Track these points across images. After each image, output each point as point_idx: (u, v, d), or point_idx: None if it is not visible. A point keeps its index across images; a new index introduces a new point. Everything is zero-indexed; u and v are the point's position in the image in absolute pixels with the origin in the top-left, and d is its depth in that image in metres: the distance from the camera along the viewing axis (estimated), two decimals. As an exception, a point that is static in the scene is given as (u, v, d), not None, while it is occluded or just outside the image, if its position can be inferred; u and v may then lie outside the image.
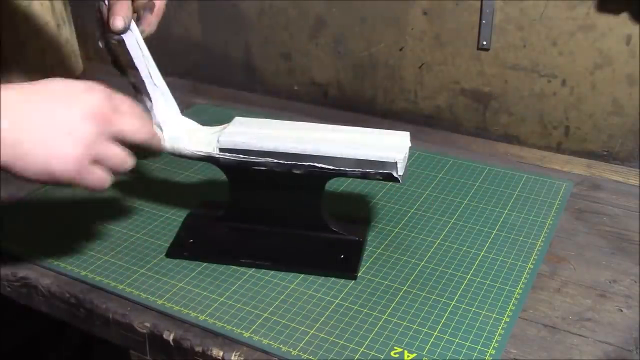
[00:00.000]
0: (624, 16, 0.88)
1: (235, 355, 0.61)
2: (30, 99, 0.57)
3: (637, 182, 0.89)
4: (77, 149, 0.57)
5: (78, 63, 1.27)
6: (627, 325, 0.64)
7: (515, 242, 0.76)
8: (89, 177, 0.59)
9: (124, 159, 0.62)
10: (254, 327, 0.64)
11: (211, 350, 0.62)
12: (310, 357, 0.60)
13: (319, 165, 0.68)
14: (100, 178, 0.60)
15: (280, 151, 0.68)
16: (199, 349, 0.62)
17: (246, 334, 0.63)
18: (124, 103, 0.62)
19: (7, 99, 0.55)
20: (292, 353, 0.61)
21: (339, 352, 0.61)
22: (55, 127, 0.57)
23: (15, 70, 1.17)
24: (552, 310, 0.66)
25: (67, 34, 1.22)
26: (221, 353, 0.61)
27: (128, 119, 0.62)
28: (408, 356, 0.60)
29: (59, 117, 0.57)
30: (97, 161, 0.59)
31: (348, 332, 0.63)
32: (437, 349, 0.61)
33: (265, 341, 0.62)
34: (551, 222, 0.79)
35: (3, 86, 0.56)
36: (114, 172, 0.62)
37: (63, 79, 0.60)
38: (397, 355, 0.60)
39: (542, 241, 0.76)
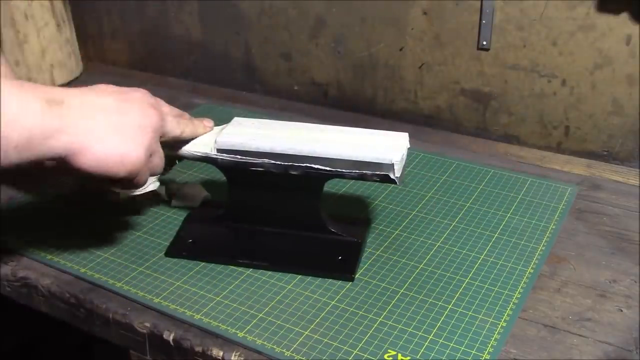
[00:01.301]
0: (624, 16, 0.88)
1: (235, 356, 0.61)
2: (92, 90, 0.59)
3: (637, 182, 0.89)
4: (145, 138, 0.60)
5: (78, 63, 1.27)
6: (627, 325, 0.64)
7: (517, 246, 0.76)
8: (146, 172, 0.61)
9: (162, 162, 0.65)
10: (248, 327, 0.64)
11: (211, 350, 0.62)
12: (303, 358, 0.60)
13: (316, 166, 0.68)
14: (147, 176, 0.62)
15: (277, 152, 0.68)
16: (199, 349, 0.62)
17: (240, 334, 0.63)
18: (163, 103, 0.66)
19: (74, 92, 0.57)
20: (286, 354, 0.60)
21: (332, 354, 0.60)
22: (124, 116, 0.59)
23: (15, 70, 1.17)
24: (552, 310, 0.66)
25: (67, 34, 1.22)
26: (221, 353, 0.61)
27: (171, 119, 0.65)
28: (401, 359, 0.60)
29: (125, 108, 0.59)
30: (151, 156, 0.61)
31: (342, 333, 0.63)
32: (431, 353, 0.61)
33: (259, 341, 0.62)
34: (554, 227, 0.79)
35: (63, 88, 0.58)
36: (152, 174, 0.64)
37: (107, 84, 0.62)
38: (390, 358, 0.60)
39: (543, 245, 0.76)
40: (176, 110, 0.69)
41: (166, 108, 0.66)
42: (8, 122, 0.51)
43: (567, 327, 0.64)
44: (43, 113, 0.53)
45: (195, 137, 0.71)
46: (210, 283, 0.70)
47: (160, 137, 0.64)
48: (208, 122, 0.73)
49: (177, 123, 0.66)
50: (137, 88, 0.64)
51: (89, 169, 0.57)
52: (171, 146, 0.69)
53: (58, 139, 0.54)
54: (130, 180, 0.60)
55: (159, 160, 0.64)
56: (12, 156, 0.52)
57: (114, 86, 0.62)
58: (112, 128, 0.57)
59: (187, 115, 0.71)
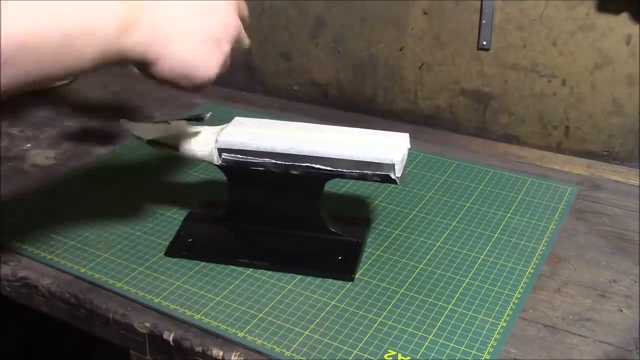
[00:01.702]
0: (624, 16, 0.88)
1: (235, 356, 0.61)
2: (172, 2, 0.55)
3: (637, 182, 0.89)
4: (219, 51, 0.57)
5: (78, 63, 1.26)
6: (627, 325, 0.64)
7: (517, 246, 0.76)
8: (225, 54, 0.59)
9: (228, 59, 0.61)
10: (248, 327, 0.63)
11: (211, 350, 0.62)
12: (303, 358, 0.60)
13: (316, 166, 0.68)
14: (223, 62, 0.59)
15: (278, 152, 0.68)
16: (199, 349, 0.62)
17: (240, 334, 0.63)
18: (244, 8, 0.63)
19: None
20: (286, 354, 0.60)
21: (332, 354, 0.60)
22: (207, 21, 0.57)
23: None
24: (552, 310, 0.66)
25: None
26: (221, 353, 0.61)
27: (242, 30, 0.62)
28: (401, 359, 0.60)
29: (208, 13, 0.57)
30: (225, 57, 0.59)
31: (342, 334, 0.63)
32: (431, 353, 0.61)
33: (259, 341, 0.62)
34: (554, 227, 0.79)
35: None
36: (241, 48, 0.63)
37: None
38: (390, 358, 0.60)
39: (543, 245, 0.76)
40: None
41: (246, 11, 0.64)
42: (94, 11, 0.49)
43: (567, 327, 0.64)
44: (117, 4, 0.50)
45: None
46: (210, 283, 0.70)
47: (234, 43, 0.61)
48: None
49: (244, 33, 0.64)
50: None
51: (164, 76, 0.56)
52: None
53: (134, 34, 0.51)
54: (199, 89, 0.59)
55: (228, 64, 0.61)
56: (89, 55, 0.49)
57: None
58: (193, 35, 0.55)
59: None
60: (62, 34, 0.46)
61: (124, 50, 0.52)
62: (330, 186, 0.81)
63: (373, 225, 0.79)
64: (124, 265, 0.72)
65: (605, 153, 0.97)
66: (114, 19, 0.50)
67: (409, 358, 0.60)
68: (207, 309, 0.66)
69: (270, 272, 0.71)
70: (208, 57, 0.57)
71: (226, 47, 0.58)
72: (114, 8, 0.50)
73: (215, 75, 0.58)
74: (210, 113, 0.75)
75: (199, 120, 0.73)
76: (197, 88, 0.58)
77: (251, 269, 0.72)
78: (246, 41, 0.65)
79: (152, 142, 0.73)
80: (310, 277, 0.70)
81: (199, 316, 0.65)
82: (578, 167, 0.94)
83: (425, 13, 1.02)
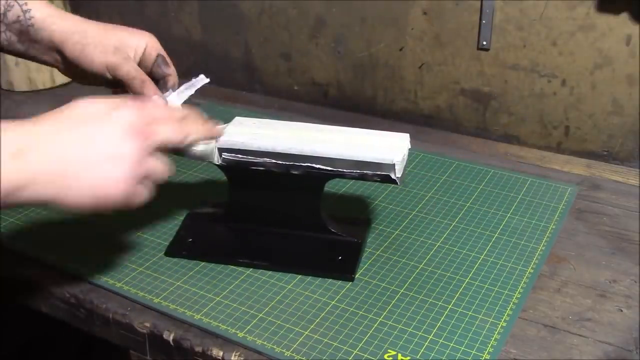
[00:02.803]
0: (624, 16, 0.88)
1: (235, 356, 0.61)
2: (62, 128, 0.54)
3: (637, 182, 0.89)
4: (124, 171, 0.55)
5: (78, 63, 1.27)
6: (627, 325, 0.64)
7: (517, 246, 0.76)
8: (136, 198, 0.57)
9: (165, 170, 0.59)
10: (248, 327, 0.64)
11: (211, 350, 0.62)
12: (303, 358, 0.60)
13: (317, 166, 0.68)
14: (142, 194, 0.58)
15: (278, 151, 0.68)
16: (199, 349, 0.62)
17: (240, 334, 0.63)
18: (156, 109, 0.60)
19: (41, 133, 0.52)
20: (286, 354, 0.60)
21: (332, 354, 0.60)
22: (96, 152, 0.54)
23: (15, 71, 1.17)
24: (552, 310, 0.66)
25: (67, 34, 1.21)
26: (221, 353, 0.61)
27: (165, 127, 0.59)
28: (401, 359, 0.60)
29: (98, 142, 0.54)
30: (143, 179, 0.57)
31: (342, 334, 0.63)
32: (431, 353, 0.61)
33: (259, 341, 0.62)
34: (554, 227, 0.79)
35: (31, 121, 0.53)
36: (155, 183, 0.59)
37: (86, 99, 0.57)
38: (390, 358, 0.60)
39: (543, 245, 0.76)
40: (179, 112, 0.63)
41: (162, 112, 0.60)
42: None
43: (567, 327, 0.64)
44: (7, 169, 0.49)
45: (207, 139, 0.67)
46: (210, 283, 0.70)
47: (157, 149, 0.58)
48: (220, 128, 0.69)
49: (176, 131, 0.60)
50: (122, 102, 0.57)
51: (76, 209, 0.54)
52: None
53: (26, 192, 0.51)
54: (126, 205, 0.57)
55: (157, 172, 0.58)
56: None
57: (95, 104, 0.56)
58: (85, 167, 0.53)
59: (194, 117, 0.65)
60: None
61: (21, 200, 0.51)
62: (330, 186, 0.81)
63: (373, 225, 0.79)
64: (124, 265, 0.72)
65: (605, 153, 0.97)
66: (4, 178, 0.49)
67: (409, 358, 0.60)
68: (207, 309, 0.66)
69: (270, 272, 0.71)
70: (106, 184, 0.54)
71: (126, 169, 0.55)
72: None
73: (121, 197, 0.55)
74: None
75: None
76: (114, 206, 0.56)
77: (251, 269, 0.72)
78: (178, 137, 0.61)
79: None
80: (310, 277, 0.70)
81: (199, 316, 0.65)
82: (578, 167, 0.94)
83: (425, 13, 1.02)
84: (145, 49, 0.72)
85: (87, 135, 0.54)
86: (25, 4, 0.70)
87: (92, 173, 0.53)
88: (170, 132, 0.59)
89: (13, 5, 0.69)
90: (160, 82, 0.73)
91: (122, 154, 0.55)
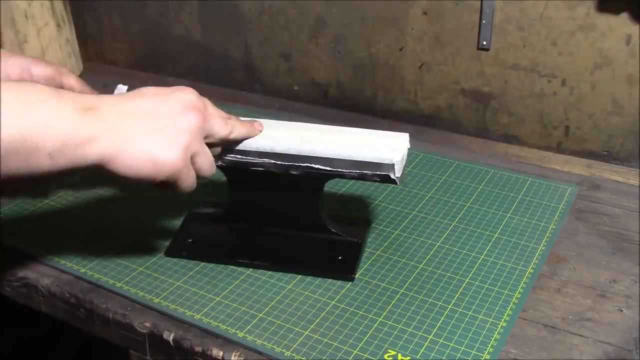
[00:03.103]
0: (624, 16, 0.88)
1: (235, 356, 0.61)
2: (127, 98, 0.58)
3: (637, 182, 0.89)
4: (182, 139, 0.58)
5: (78, 63, 1.27)
6: (627, 325, 0.64)
7: (517, 246, 0.76)
8: (187, 174, 0.59)
9: (212, 162, 0.63)
10: (248, 327, 0.64)
11: (211, 350, 0.62)
12: (303, 358, 0.60)
13: (316, 166, 0.68)
14: (192, 179, 0.61)
15: (277, 152, 0.68)
16: (199, 349, 0.62)
17: (240, 334, 0.63)
18: (210, 104, 0.64)
19: (108, 99, 0.56)
20: (286, 354, 0.60)
21: (332, 354, 0.60)
22: (159, 119, 0.57)
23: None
24: (552, 310, 0.66)
25: (67, 34, 1.22)
26: (221, 353, 0.61)
27: (215, 119, 0.63)
28: (401, 359, 0.60)
29: (161, 111, 0.58)
30: (193, 157, 0.60)
31: (343, 334, 0.63)
32: (431, 353, 0.61)
33: (259, 341, 0.62)
34: (554, 227, 0.79)
35: (100, 95, 0.58)
36: (200, 174, 0.62)
37: (152, 87, 0.61)
38: (390, 358, 0.60)
39: (543, 245, 0.76)
40: (223, 113, 0.66)
41: (212, 109, 0.64)
42: (42, 128, 0.51)
43: (567, 327, 0.64)
44: (76, 120, 0.53)
45: (247, 138, 0.68)
46: (210, 283, 0.70)
47: (206, 137, 0.62)
48: (259, 125, 0.70)
49: (224, 123, 0.64)
50: (182, 87, 0.62)
51: (124, 174, 0.56)
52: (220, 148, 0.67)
53: (91, 146, 0.53)
54: (173, 183, 0.59)
55: (204, 160, 0.61)
56: (45, 164, 0.52)
57: (157, 88, 0.61)
58: (146, 131, 0.56)
59: (234, 117, 0.68)
60: (20, 133, 0.50)
61: (82, 156, 0.54)
62: (330, 186, 0.81)
63: (373, 225, 0.79)
64: (124, 265, 0.72)
65: (605, 153, 0.97)
66: (66, 130, 0.52)
67: (409, 358, 0.60)
68: (207, 309, 0.66)
69: (270, 272, 0.71)
70: (163, 151, 0.57)
71: (184, 141, 0.58)
72: (66, 127, 0.53)
73: (174, 169, 0.58)
74: None
75: None
76: (167, 184, 0.59)
77: (251, 269, 0.72)
78: (225, 131, 0.64)
79: None
80: (310, 277, 0.70)
81: (199, 316, 0.65)
82: (578, 167, 0.94)
83: (425, 13, 1.02)
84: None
85: (151, 104, 0.58)
86: None
87: (152, 136, 0.56)
88: (219, 124, 0.63)
89: None
90: None
91: (182, 125, 0.58)
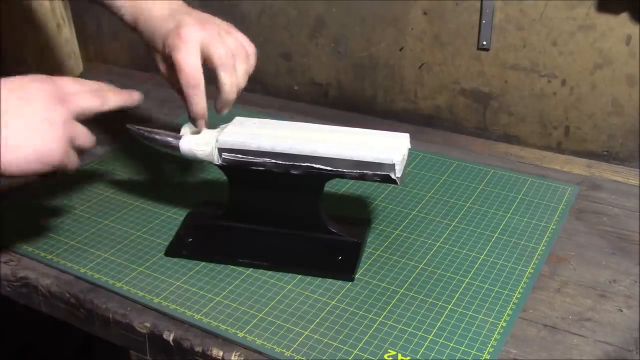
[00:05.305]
0: (624, 16, 0.88)
1: (235, 356, 0.61)
2: None
3: (637, 182, 0.89)
4: (57, 132, 0.60)
5: (78, 63, 1.27)
6: (627, 325, 0.64)
7: (517, 246, 0.76)
8: (71, 159, 0.62)
9: (89, 136, 0.64)
10: (248, 327, 0.64)
11: (211, 350, 0.62)
12: (303, 358, 0.60)
13: (317, 166, 0.68)
14: (75, 159, 0.63)
15: (278, 151, 0.68)
16: (199, 349, 0.62)
17: (240, 334, 0.63)
18: (67, 83, 0.64)
19: None
20: (286, 354, 0.60)
21: (332, 354, 0.60)
22: (32, 117, 0.59)
23: (15, 71, 1.17)
24: (552, 310, 0.66)
25: (67, 34, 1.22)
26: (221, 353, 0.61)
27: (81, 96, 0.64)
28: (401, 359, 0.60)
29: (29, 108, 0.59)
30: (71, 141, 0.62)
31: (343, 333, 0.63)
32: (431, 353, 0.61)
33: (259, 341, 0.62)
34: (554, 227, 0.79)
35: None
36: (81, 151, 0.64)
37: (4, 80, 0.62)
38: (390, 358, 0.60)
39: (543, 245, 0.76)
40: (91, 85, 0.67)
41: (74, 86, 0.65)
42: None
43: (567, 327, 0.64)
44: None
45: (127, 108, 0.69)
46: (210, 283, 0.70)
47: (79, 116, 0.63)
48: (136, 94, 0.70)
49: (94, 96, 0.65)
50: (33, 77, 0.62)
51: (13, 174, 0.59)
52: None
53: None
54: (59, 170, 0.61)
55: (82, 139, 0.64)
56: None
57: (10, 81, 0.61)
58: (26, 131, 0.58)
59: (107, 87, 0.68)
60: None
61: None
62: (330, 186, 0.81)
63: (373, 225, 0.79)
64: (124, 265, 0.72)
65: (605, 153, 0.97)
66: None
67: (409, 358, 0.60)
68: (207, 309, 0.66)
69: (270, 272, 0.71)
70: (42, 145, 0.59)
71: (58, 131, 0.60)
72: None
73: (58, 158, 0.60)
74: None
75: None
76: (55, 173, 0.61)
77: (251, 269, 0.72)
78: (96, 104, 0.65)
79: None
80: (310, 277, 0.70)
81: (199, 316, 0.65)
82: (578, 167, 0.94)
83: (425, 13, 1.02)
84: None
85: (17, 104, 0.59)
86: None
87: (33, 135, 0.59)
88: (87, 100, 0.64)
89: None
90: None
91: (52, 118, 0.60)
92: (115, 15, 0.76)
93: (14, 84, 0.61)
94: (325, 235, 0.73)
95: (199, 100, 0.70)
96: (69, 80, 0.65)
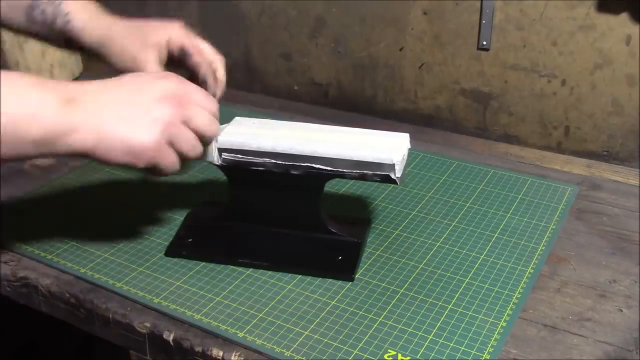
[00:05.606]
0: (624, 16, 0.88)
1: (235, 356, 0.61)
2: (108, 88, 0.61)
3: (637, 182, 0.89)
4: (156, 127, 0.60)
5: (78, 63, 1.27)
6: (627, 325, 0.64)
7: (517, 246, 0.76)
8: (165, 158, 0.62)
9: (195, 144, 0.64)
10: (248, 327, 0.64)
11: (211, 350, 0.62)
12: (303, 358, 0.60)
13: (317, 166, 0.68)
14: (173, 161, 0.63)
15: (278, 152, 0.68)
16: (199, 349, 0.62)
17: (240, 334, 0.63)
18: (197, 92, 0.64)
19: (89, 90, 0.59)
20: (286, 354, 0.60)
21: (332, 354, 0.60)
22: (134, 109, 0.60)
23: (15, 69, 1.17)
24: (552, 310, 0.66)
25: (67, 34, 1.22)
26: (221, 353, 0.61)
27: (200, 110, 0.63)
28: (401, 359, 0.60)
29: (137, 100, 0.60)
30: (171, 142, 0.62)
31: (343, 334, 0.63)
32: (431, 353, 0.61)
33: (259, 341, 0.62)
34: (554, 227, 0.79)
35: (84, 81, 0.60)
36: (184, 157, 0.63)
37: (137, 73, 0.64)
38: (390, 358, 0.60)
39: (543, 245, 0.75)
40: (214, 107, 0.66)
41: (201, 99, 0.64)
42: (26, 118, 0.55)
43: (567, 327, 0.64)
44: (58, 112, 0.56)
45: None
46: (210, 283, 0.70)
47: (186, 123, 0.62)
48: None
49: (212, 123, 0.65)
50: (167, 74, 0.64)
51: (107, 162, 0.60)
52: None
53: (72, 137, 0.57)
54: (154, 167, 0.62)
55: (185, 144, 0.62)
56: (30, 150, 0.56)
57: (139, 76, 0.64)
58: (121, 122, 0.59)
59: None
60: (6, 120, 0.54)
61: (65, 146, 0.57)
62: (330, 186, 0.81)
63: (373, 225, 0.79)
64: (124, 265, 0.72)
65: (605, 153, 0.97)
66: (48, 123, 0.56)
67: (409, 358, 0.60)
68: (207, 309, 0.66)
69: (270, 272, 0.71)
70: (137, 138, 0.59)
71: (157, 128, 0.60)
72: (49, 118, 0.56)
73: (149, 154, 0.60)
74: None
75: None
76: (150, 169, 0.62)
77: (251, 269, 0.72)
78: (208, 129, 0.64)
79: None
80: (310, 277, 0.70)
81: (199, 316, 0.65)
82: (578, 167, 0.94)
83: (425, 13, 1.02)
84: (168, 44, 0.75)
85: (127, 94, 0.61)
86: (67, 14, 0.75)
87: (127, 127, 0.59)
88: (204, 121, 0.64)
89: (57, 15, 0.75)
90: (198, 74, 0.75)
91: (155, 114, 0.60)
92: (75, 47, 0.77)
93: (142, 77, 0.63)
94: (325, 235, 0.73)
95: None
96: (202, 91, 0.65)
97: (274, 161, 0.69)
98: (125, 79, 0.63)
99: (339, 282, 0.70)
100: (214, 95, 0.75)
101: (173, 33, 0.75)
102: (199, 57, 0.75)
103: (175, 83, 0.63)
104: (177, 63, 0.75)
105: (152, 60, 0.73)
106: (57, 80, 0.59)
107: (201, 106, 0.64)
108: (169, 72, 0.64)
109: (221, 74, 0.77)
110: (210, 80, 0.75)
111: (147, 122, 0.60)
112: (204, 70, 0.75)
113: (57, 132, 0.56)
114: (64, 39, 0.76)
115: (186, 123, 0.62)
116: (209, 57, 0.76)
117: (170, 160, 0.62)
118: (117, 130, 0.59)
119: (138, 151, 0.60)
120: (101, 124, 0.58)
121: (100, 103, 0.59)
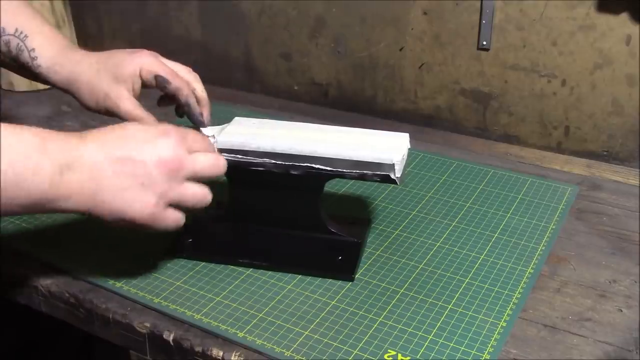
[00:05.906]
0: (624, 16, 0.88)
1: (235, 356, 0.61)
2: (105, 150, 0.58)
3: (637, 182, 0.89)
4: (150, 198, 0.59)
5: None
6: (627, 325, 0.64)
7: (517, 246, 0.76)
8: (163, 221, 0.61)
9: (203, 196, 0.63)
10: (248, 327, 0.64)
11: (211, 350, 0.62)
12: (303, 358, 0.60)
13: (317, 166, 0.68)
14: (175, 219, 0.62)
15: (278, 152, 0.68)
16: (199, 349, 0.62)
17: (240, 334, 0.63)
18: (196, 141, 0.63)
19: (84, 154, 0.57)
20: (286, 354, 0.60)
21: (332, 354, 0.60)
22: (130, 179, 0.58)
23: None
24: (552, 310, 0.66)
25: (67, 34, 1.22)
26: (221, 353, 0.61)
27: (201, 157, 0.62)
28: (401, 359, 0.60)
29: (134, 167, 0.58)
30: (175, 204, 0.61)
31: (343, 334, 0.63)
32: (431, 353, 0.61)
33: (259, 341, 0.62)
34: (554, 227, 0.79)
35: (80, 135, 0.58)
36: (193, 209, 0.63)
37: (137, 124, 0.62)
38: (390, 358, 0.60)
39: (543, 245, 0.76)
40: (208, 144, 0.66)
41: (199, 146, 0.63)
42: (15, 186, 0.53)
43: (567, 327, 0.64)
44: (52, 181, 0.55)
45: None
46: (210, 283, 0.70)
47: (191, 178, 0.62)
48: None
49: (216, 163, 0.64)
50: (166, 130, 0.61)
51: (105, 222, 0.59)
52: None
53: (65, 202, 0.56)
54: (152, 229, 0.61)
55: (192, 201, 0.62)
56: (17, 210, 0.55)
57: (143, 131, 0.61)
58: (117, 192, 0.58)
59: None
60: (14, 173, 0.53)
61: (56, 208, 0.57)
62: (330, 186, 0.81)
63: (373, 225, 0.79)
64: (124, 265, 0.72)
65: (605, 153, 0.97)
66: (46, 182, 0.55)
67: (409, 358, 0.60)
68: (207, 309, 0.66)
69: (270, 272, 0.71)
70: (131, 208, 0.59)
71: (152, 196, 0.59)
72: (41, 187, 0.55)
73: (145, 217, 0.59)
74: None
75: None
76: (144, 227, 0.61)
77: (251, 269, 0.72)
78: (213, 171, 0.64)
79: None
80: (310, 277, 0.70)
81: (199, 316, 0.65)
82: (578, 167, 0.94)
83: (425, 13, 1.02)
84: (141, 74, 0.73)
85: (125, 159, 0.58)
86: (33, 50, 0.74)
87: (121, 196, 0.58)
88: (204, 164, 0.62)
89: (23, 50, 0.74)
90: (179, 99, 0.74)
91: (150, 183, 0.59)
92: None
93: (143, 133, 0.60)
94: (325, 235, 0.73)
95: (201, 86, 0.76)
96: (199, 136, 0.64)
97: (273, 161, 0.69)
98: (128, 132, 0.60)
99: (339, 282, 0.70)
100: (201, 115, 0.74)
101: (144, 62, 0.73)
102: (176, 81, 0.73)
103: (175, 142, 0.60)
104: (155, 88, 0.74)
105: (125, 96, 0.72)
106: (57, 136, 0.56)
107: (202, 152, 0.63)
108: (168, 127, 0.62)
109: (201, 90, 0.76)
110: (192, 102, 0.74)
111: (143, 194, 0.59)
112: (185, 93, 0.73)
113: (47, 199, 0.55)
114: (31, 74, 0.76)
115: (191, 179, 0.61)
116: (185, 78, 0.75)
117: (171, 220, 0.61)
118: (112, 202, 0.58)
119: (131, 222, 0.59)
120: (95, 194, 0.57)
121: (97, 169, 0.57)
